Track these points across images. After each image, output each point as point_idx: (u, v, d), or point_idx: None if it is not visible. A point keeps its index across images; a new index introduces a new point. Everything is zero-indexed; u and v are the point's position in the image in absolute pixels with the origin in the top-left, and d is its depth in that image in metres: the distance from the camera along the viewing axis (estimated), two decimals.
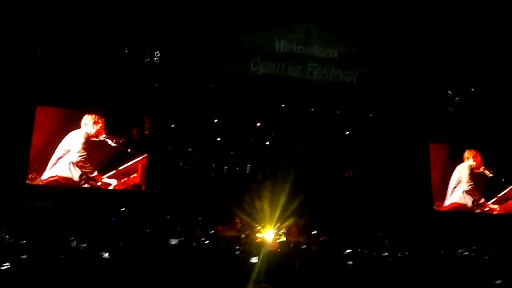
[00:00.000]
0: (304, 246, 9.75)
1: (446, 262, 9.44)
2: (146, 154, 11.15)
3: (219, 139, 11.85)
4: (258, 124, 12.07)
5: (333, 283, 7.77)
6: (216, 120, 11.79)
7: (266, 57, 11.67)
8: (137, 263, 7.85)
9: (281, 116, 12.06)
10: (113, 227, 10.23)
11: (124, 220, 10.50)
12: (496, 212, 12.71)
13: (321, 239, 10.89)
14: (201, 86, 11.56)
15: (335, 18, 11.69)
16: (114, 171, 10.92)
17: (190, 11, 11.15)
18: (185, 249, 9.08)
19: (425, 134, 12.62)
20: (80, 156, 10.75)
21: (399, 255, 9.65)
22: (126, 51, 11.11)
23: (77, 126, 10.87)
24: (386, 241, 10.50)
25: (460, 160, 12.79)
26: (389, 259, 9.46)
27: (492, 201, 12.71)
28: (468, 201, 12.67)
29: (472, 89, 12.37)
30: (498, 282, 8.08)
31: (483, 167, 12.73)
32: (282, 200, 11.53)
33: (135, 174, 11.06)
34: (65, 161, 10.70)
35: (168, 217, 10.85)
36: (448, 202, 12.64)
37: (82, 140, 10.81)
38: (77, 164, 10.73)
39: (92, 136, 10.90)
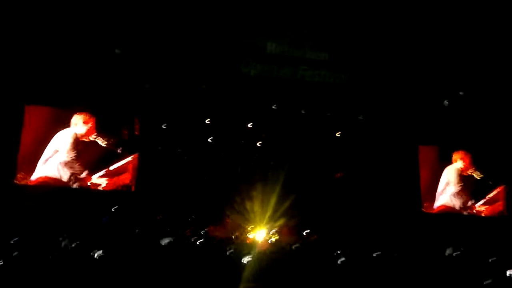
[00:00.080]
0: (295, 246, 9.78)
1: (434, 263, 9.51)
2: (136, 154, 11.11)
3: (210, 139, 11.82)
4: (249, 125, 12.06)
5: (323, 283, 7.81)
6: (207, 121, 11.77)
7: (258, 59, 11.69)
8: (128, 263, 7.83)
9: (272, 117, 12.07)
10: (104, 227, 10.18)
11: (114, 220, 10.44)
12: (484, 214, 12.83)
13: (312, 239, 10.94)
14: (192, 86, 11.55)
15: (327, 21, 11.74)
16: (104, 171, 10.86)
17: (182, 11, 11.13)
18: (176, 249, 9.06)
19: (415, 136, 12.71)
20: (68, 156, 10.66)
21: (389, 256, 9.71)
22: (116, 51, 11.03)
23: (67, 125, 10.78)
24: (375, 242, 10.54)
25: (449, 162, 12.90)
26: (378, 260, 9.51)
27: (480, 203, 12.84)
28: (456, 203, 12.77)
29: (461, 92, 12.46)
30: (487, 282, 8.17)
31: (471, 169, 12.85)
32: (273, 200, 11.56)
33: (126, 175, 11.02)
34: (53, 161, 10.59)
35: (159, 217, 10.81)
36: (436, 204, 12.73)
37: (71, 140, 10.71)
38: (65, 165, 10.64)
39: (82, 136, 10.83)
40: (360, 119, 12.58)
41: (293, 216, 11.44)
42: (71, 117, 10.82)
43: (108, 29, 10.81)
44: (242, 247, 9.42)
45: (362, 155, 12.52)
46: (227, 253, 8.94)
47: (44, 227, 9.51)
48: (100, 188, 10.83)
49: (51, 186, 10.55)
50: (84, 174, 10.74)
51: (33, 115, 10.62)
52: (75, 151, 10.71)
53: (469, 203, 12.82)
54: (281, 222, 11.44)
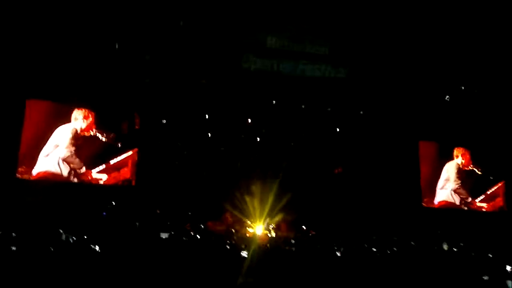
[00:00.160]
0: (295, 240, 9.77)
1: (435, 258, 9.51)
2: (136, 149, 11.15)
3: (209, 134, 11.83)
4: (249, 120, 12.06)
5: (323, 278, 7.80)
6: (207, 116, 11.77)
7: (258, 54, 11.68)
8: (127, 257, 7.83)
9: (272, 113, 12.07)
10: (104, 221, 10.21)
11: (114, 215, 10.47)
12: (484, 210, 12.83)
13: (311, 233, 10.95)
14: (192, 81, 11.55)
15: (327, 16, 11.71)
16: (104, 166, 10.92)
17: (182, 8, 11.11)
18: (175, 243, 9.07)
19: (415, 132, 12.71)
20: (68, 151, 10.72)
21: (388, 251, 9.71)
22: (117, 47, 11.04)
23: (67, 120, 10.85)
24: (374, 237, 10.55)
25: (450, 158, 12.91)
26: (378, 254, 9.50)
27: (480, 198, 12.84)
28: (456, 199, 12.80)
29: (462, 88, 12.44)
30: (486, 278, 8.16)
31: (471, 165, 12.85)
32: (272, 195, 11.58)
33: (125, 169, 11.06)
34: (53, 156, 10.67)
35: (158, 211, 10.84)
36: (437, 199, 12.76)
37: (70, 135, 10.78)
38: (65, 160, 10.70)
39: (82, 131, 10.87)
40: (360, 114, 12.57)
41: (293, 211, 11.46)
42: (71, 112, 10.89)
43: (109, 25, 10.81)
44: (241, 241, 9.42)
45: (362, 150, 12.53)
46: (226, 248, 8.94)
47: (46, 221, 9.53)
48: (100, 182, 10.88)
49: (52, 180, 10.61)
50: (84, 169, 10.78)
51: (34, 110, 10.71)
52: (75, 147, 10.77)
53: (469, 198, 12.83)
54: (280, 216, 11.47)
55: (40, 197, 10.41)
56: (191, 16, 11.08)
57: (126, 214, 10.46)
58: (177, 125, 11.64)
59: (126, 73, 11.14)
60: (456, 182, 12.81)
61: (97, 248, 8.12)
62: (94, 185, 10.88)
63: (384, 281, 7.80)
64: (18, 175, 10.41)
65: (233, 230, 10.70)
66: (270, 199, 11.56)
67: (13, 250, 7.60)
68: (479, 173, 12.83)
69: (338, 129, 12.57)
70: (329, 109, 12.46)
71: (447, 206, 12.77)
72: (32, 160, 10.53)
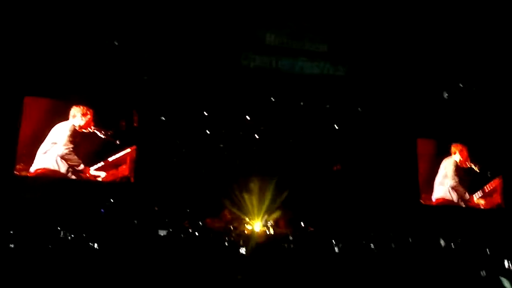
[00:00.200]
0: (293, 237, 9.81)
1: (432, 255, 9.54)
2: (135, 146, 11.15)
3: (208, 131, 11.83)
4: (248, 117, 12.06)
5: (320, 275, 7.82)
6: (205, 113, 11.76)
7: (257, 51, 11.67)
8: (126, 255, 7.85)
9: (270, 110, 12.07)
10: (102, 218, 10.22)
11: (113, 212, 10.48)
12: (482, 207, 12.86)
13: (310, 230, 10.98)
14: (190, 78, 11.54)
15: (326, 13, 11.70)
16: (102, 163, 10.91)
17: (180, 3, 11.09)
18: (174, 240, 9.10)
19: (413, 129, 12.72)
20: (66, 149, 10.71)
21: (386, 247, 9.74)
22: (115, 43, 11.03)
23: (66, 117, 10.84)
24: (373, 234, 10.58)
25: (447, 154, 12.92)
26: (376, 251, 9.54)
27: (477, 195, 12.87)
28: (453, 196, 12.82)
29: (460, 85, 12.45)
30: (483, 274, 8.19)
31: (469, 162, 12.88)
32: (271, 192, 11.60)
33: (124, 166, 11.06)
34: (52, 154, 10.66)
35: (156, 208, 10.85)
36: (434, 196, 12.78)
37: (68, 132, 10.77)
38: (63, 157, 10.70)
39: (81, 128, 10.87)
40: (359, 112, 12.58)
41: (291, 208, 11.48)
42: (69, 109, 10.88)
43: (107, 21, 10.79)
44: (239, 238, 9.45)
45: (361, 147, 12.54)
46: (224, 245, 8.97)
47: (44, 218, 9.55)
48: (99, 179, 10.88)
49: (50, 177, 10.61)
50: (82, 166, 10.78)
51: (32, 107, 10.69)
52: (73, 144, 10.77)
53: (467, 195, 12.86)
54: (278, 214, 11.48)
55: (38, 194, 10.42)
56: (190, 13, 11.05)
57: (125, 211, 10.49)
58: (176, 122, 11.63)
59: (125, 70, 11.11)
60: (454, 179, 12.84)
61: (95, 245, 8.15)
62: (93, 182, 10.87)
63: (382, 277, 7.83)
64: (16, 172, 10.40)
65: (232, 227, 10.73)
66: (269, 196, 11.58)
67: (11, 248, 7.63)
68: (477, 169, 12.84)
69: (336, 126, 12.55)
70: (327, 106, 12.45)
71: (445, 203, 12.79)
72: (30, 157, 10.51)
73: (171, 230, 9.35)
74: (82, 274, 7.11)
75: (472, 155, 12.93)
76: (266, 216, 11.48)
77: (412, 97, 12.51)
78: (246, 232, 10.93)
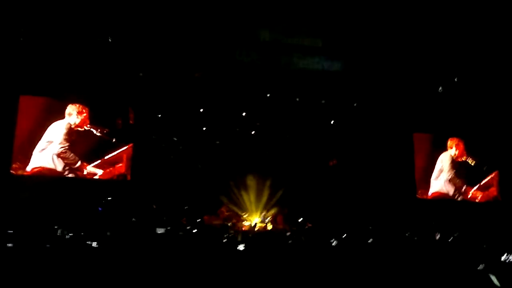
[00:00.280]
0: (290, 233, 9.82)
1: (429, 249, 9.57)
2: (131, 144, 11.13)
3: (204, 128, 11.82)
4: (244, 114, 12.05)
5: (318, 270, 7.84)
6: (201, 110, 11.75)
7: (252, 47, 11.66)
8: (124, 253, 7.85)
9: (266, 106, 12.07)
10: (99, 216, 10.21)
11: (110, 210, 10.47)
12: (478, 200, 12.91)
13: (307, 226, 10.99)
14: (186, 75, 11.52)
15: (321, 8, 11.68)
16: (99, 161, 10.91)
17: (175, 1, 11.06)
18: (172, 238, 9.09)
19: (409, 124, 12.74)
20: (62, 147, 10.71)
21: (383, 242, 9.76)
22: (110, 40, 10.99)
23: (61, 116, 10.83)
24: (370, 228, 10.61)
25: (444, 148, 12.96)
26: (373, 246, 9.57)
27: (474, 189, 12.92)
28: (450, 190, 12.86)
29: (455, 79, 12.46)
30: (481, 267, 8.23)
31: (465, 156, 12.92)
32: (268, 188, 11.62)
33: (121, 164, 11.06)
34: (48, 152, 10.66)
35: (154, 206, 10.85)
36: (431, 191, 12.81)
37: (64, 131, 10.77)
38: (59, 155, 10.70)
39: (77, 126, 10.86)
40: (354, 107, 12.58)
41: (289, 204, 11.50)
42: (65, 107, 10.86)
43: (101, 19, 10.76)
44: (237, 235, 9.45)
45: (357, 142, 12.55)
46: (222, 242, 8.97)
47: (41, 217, 9.54)
48: (95, 177, 10.88)
49: (46, 176, 10.60)
50: (78, 164, 10.77)
51: (28, 105, 10.69)
52: (69, 142, 10.77)
53: (463, 189, 12.90)
54: (276, 210, 11.50)
55: (35, 193, 10.41)
56: (184, 9, 11.02)
57: (122, 209, 10.48)
58: (172, 119, 11.61)
59: (120, 67, 11.09)
60: (450, 173, 12.88)
61: (93, 244, 8.14)
62: (89, 181, 10.87)
63: (380, 272, 7.86)
64: (13, 172, 10.40)
65: (230, 224, 10.73)
66: (266, 192, 11.60)
67: (9, 247, 7.61)
68: (473, 163, 12.89)
69: (332, 122, 12.56)
70: (323, 101, 12.44)
71: (441, 197, 12.83)
72: (27, 156, 10.51)
73: (169, 228, 9.33)
74: (81, 273, 7.11)
75: (469, 149, 12.96)
76: (264, 213, 11.50)
77: (408, 92, 12.52)
78: (244, 228, 10.95)
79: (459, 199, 12.88)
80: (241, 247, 8.28)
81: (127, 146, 11.11)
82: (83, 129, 10.88)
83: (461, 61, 12.27)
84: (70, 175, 10.73)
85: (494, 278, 6.92)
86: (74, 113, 10.87)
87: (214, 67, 11.58)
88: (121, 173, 11.03)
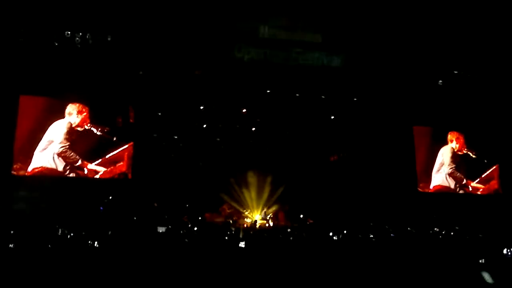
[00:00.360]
0: (293, 229, 9.85)
1: (431, 241, 9.60)
2: (132, 142, 11.13)
3: (205, 125, 11.82)
4: (244, 110, 12.04)
5: (321, 264, 7.86)
6: (201, 107, 11.74)
7: (251, 43, 11.62)
8: (126, 251, 7.87)
9: (266, 102, 12.06)
10: (101, 215, 10.23)
11: (111, 208, 10.49)
12: (479, 193, 12.91)
13: (309, 221, 11.02)
14: (186, 73, 11.51)
15: (320, 4, 11.64)
16: (100, 160, 10.90)
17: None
18: (173, 236, 9.12)
19: (409, 117, 12.72)
20: (62, 147, 10.70)
21: (385, 236, 9.79)
22: (109, 39, 10.97)
23: (62, 115, 10.81)
24: (371, 223, 10.63)
25: (444, 142, 12.95)
26: (375, 239, 9.59)
27: (475, 182, 12.92)
28: (451, 183, 12.85)
29: (455, 72, 12.42)
30: (482, 261, 8.24)
31: (466, 149, 12.91)
32: (269, 184, 11.63)
33: (121, 163, 11.05)
34: (48, 152, 10.66)
35: (155, 204, 10.87)
36: (432, 184, 12.80)
37: (64, 130, 10.77)
38: (60, 155, 10.69)
39: (77, 126, 10.85)
40: (354, 101, 12.57)
41: (290, 200, 11.51)
42: (65, 107, 10.85)
43: (101, 18, 10.73)
44: (239, 232, 9.48)
45: (357, 137, 12.55)
46: (224, 239, 9.00)
47: (43, 217, 9.56)
48: (96, 176, 10.88)
49: (47, 176, 10.61)
50: (79, 163, 10.78)
51: (28, 105, 10.68)
52: (70, 141, 10.76)
53: (464, 182, 12.90)
54: (277, 206, 11.52)
55: (37, 194, 10.43)
56: (184, 7, 10.98)
57: (123, 207, 10.50)
58: (172, 117, 11.60)
59: (120, 66, 11.07)
60: (451, 166, 12.87)
61: (95, 243, 8.16)
62: (90, 179, 10.87)
63: (382, 265, 7.88)
64: (14, 172, 10.40)
65: (231, 221, 10.76)
66: (267, 189, 11.62)
67: (11, 247, 7.64)
68: (474, 156, 12.88)
69: (332, 117, 12.55)
70: (323, 96, 12.43)
71: (442, 190, 12.82)
72: (27, 157, 10.52)
73: (170, 226, 9.36)
74: (83, 271, 7.13)
75: (469, 142, 12.95)
76: (265, 209, 11.53)
77: (407, 86, 12.48)
78: (245, 225, 10.97)
79: (460, 192, 12.88)
80: (242, 244, 8.31)
81: (128, 145, 11.09)
82: (83, 128, 10.87)
83: (461, 56, 12.22)
84: (71, 175, 10.72)
85: (486, 275, 6.94)
86: (74, 112, 10.86)
87: (214, 64, 11.54)
88: (122, 172, 11.02)
